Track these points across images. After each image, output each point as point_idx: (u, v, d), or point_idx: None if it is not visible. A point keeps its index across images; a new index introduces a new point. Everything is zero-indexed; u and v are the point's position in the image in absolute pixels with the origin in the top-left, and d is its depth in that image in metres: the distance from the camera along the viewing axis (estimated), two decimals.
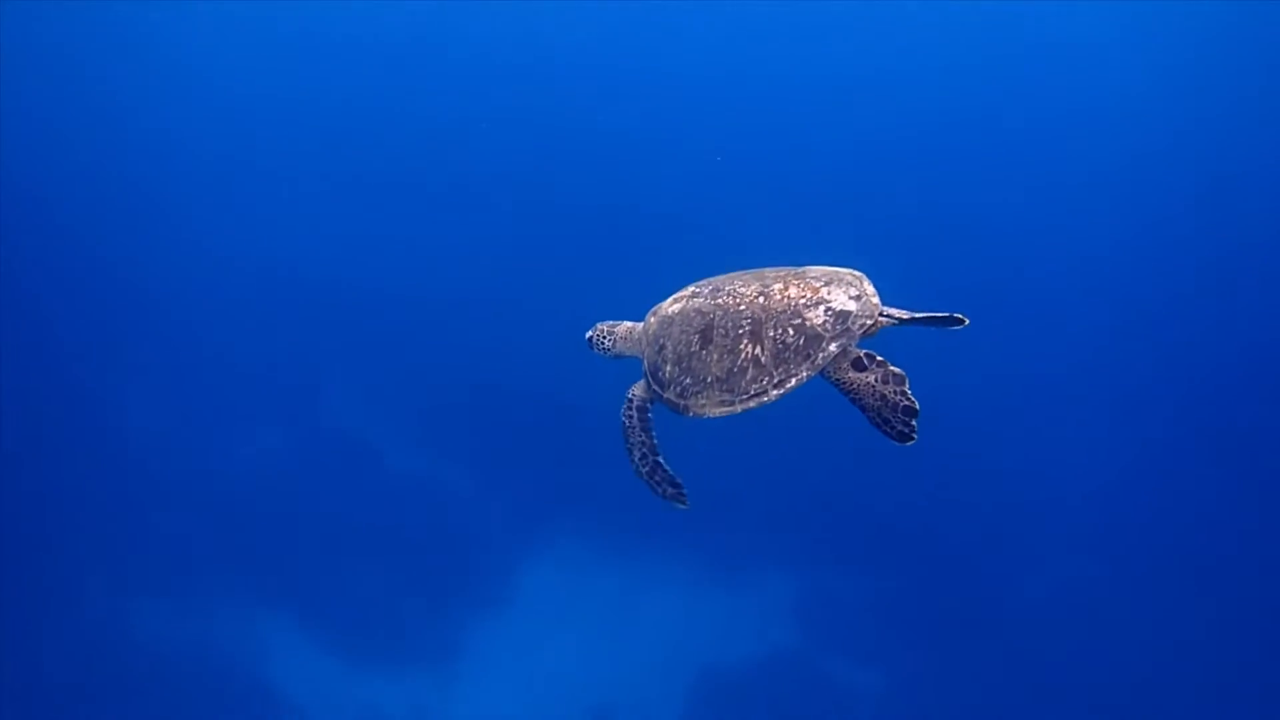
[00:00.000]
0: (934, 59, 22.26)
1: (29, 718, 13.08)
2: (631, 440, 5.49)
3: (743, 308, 4.76)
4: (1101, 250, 19.22)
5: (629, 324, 5.76)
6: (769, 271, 5.08)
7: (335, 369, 17.63)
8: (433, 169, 20.76)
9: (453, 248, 19.03)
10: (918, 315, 4.78)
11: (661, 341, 5.13)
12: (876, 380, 4.54)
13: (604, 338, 5.80)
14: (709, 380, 4.78)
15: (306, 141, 21.33)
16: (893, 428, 4.47)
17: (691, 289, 5.25)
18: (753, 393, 4.66)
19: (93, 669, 13.87)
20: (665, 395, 5.09)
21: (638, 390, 5.47)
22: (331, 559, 15.30)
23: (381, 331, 17.81)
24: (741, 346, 4.68)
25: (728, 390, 4.72)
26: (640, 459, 5.48)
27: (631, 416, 5.48)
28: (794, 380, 4.60)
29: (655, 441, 5.48)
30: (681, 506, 5.42)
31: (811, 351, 4.55)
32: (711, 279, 5.34)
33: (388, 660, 14.80)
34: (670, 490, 5.44)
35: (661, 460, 5.47)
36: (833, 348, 4.57)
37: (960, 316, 4.62)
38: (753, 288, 4.86)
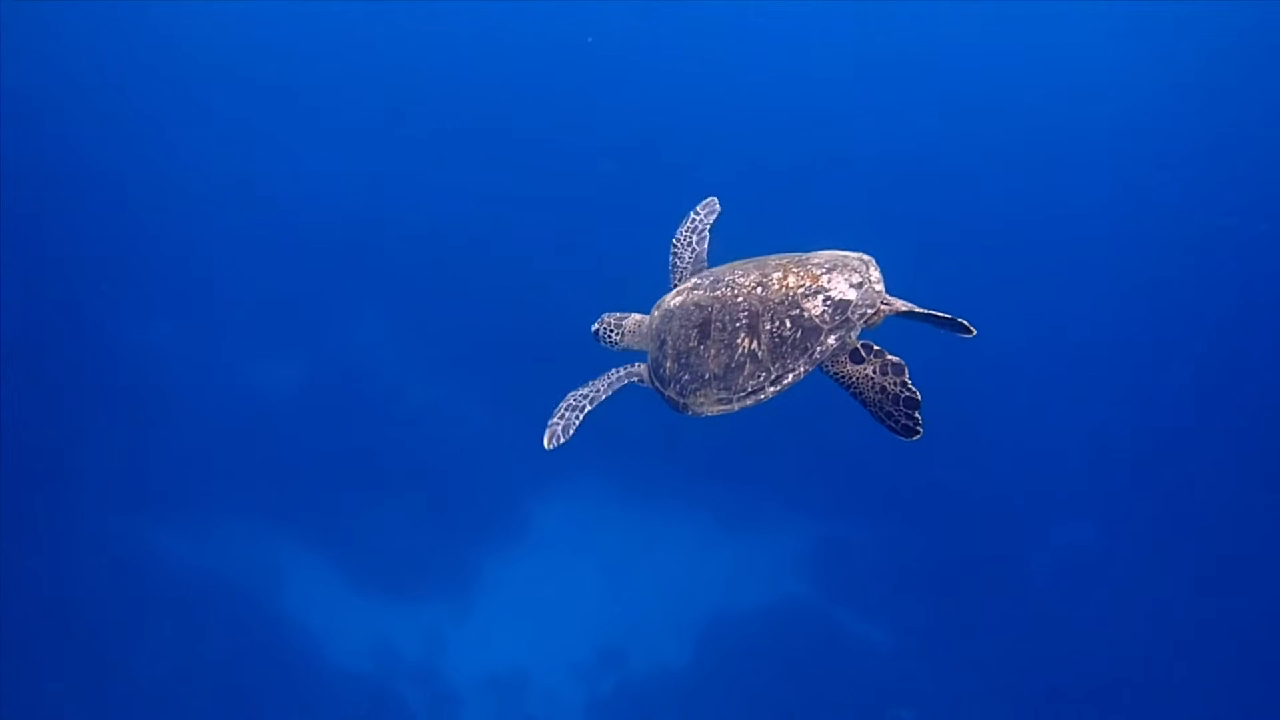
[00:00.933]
0: (966, 50, 21.98)
1: (48, 631, 13.29)
2: (595, 382, 5.23)
3: (740, 300, 4.54)
4: (1119, 226, 19.15)
5: (637, 316, 5.45)
6: (772, 259, 4.81)
7: (360, 300, 17.53)
8: (465, 105, 20.45)
9: (481, 184, 18.75)
10: (922, 311, 4.48)
11: (663, 336, 4.93)
12: (875, 372, 4.27)
13: (611, 331, 5.49)
14: (706, 377, 4.58)
15: (337, 71, 20.98)
16: (896, 421, 4.20)
17: (694, 280, 5.04)
18: (749, 390, 4.45)
19: (110, 586, 14.05)
20: (666, 393, 4.87)
21: (641, 370, 5.23)
22: (349, 489, 15.36)
23: (407, 264, 17.65)
24: (738, 341, 4.47)
25: (725, 388, 4.53)
26: (581, 394, 5.16)
27: (619, 374, 5.24)
28: (791, 376, 4.38)
29: (603, 400, 5.17)
30: (545, 445, 5.00)
31: (809, 345, 4.32)
32: (715, 269, 5.12)
33: (402, 591, 14.95)
34: (560, 427, 5.04)
35: (587, 411, 5.11)
36: (831, 340, 4.32)
37: (967, 325, 4.34)
38: (751, 278, 4.62)
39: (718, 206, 5.79)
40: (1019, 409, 16.61)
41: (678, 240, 5.66)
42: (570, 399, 5.17)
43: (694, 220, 5.72)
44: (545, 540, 15.62)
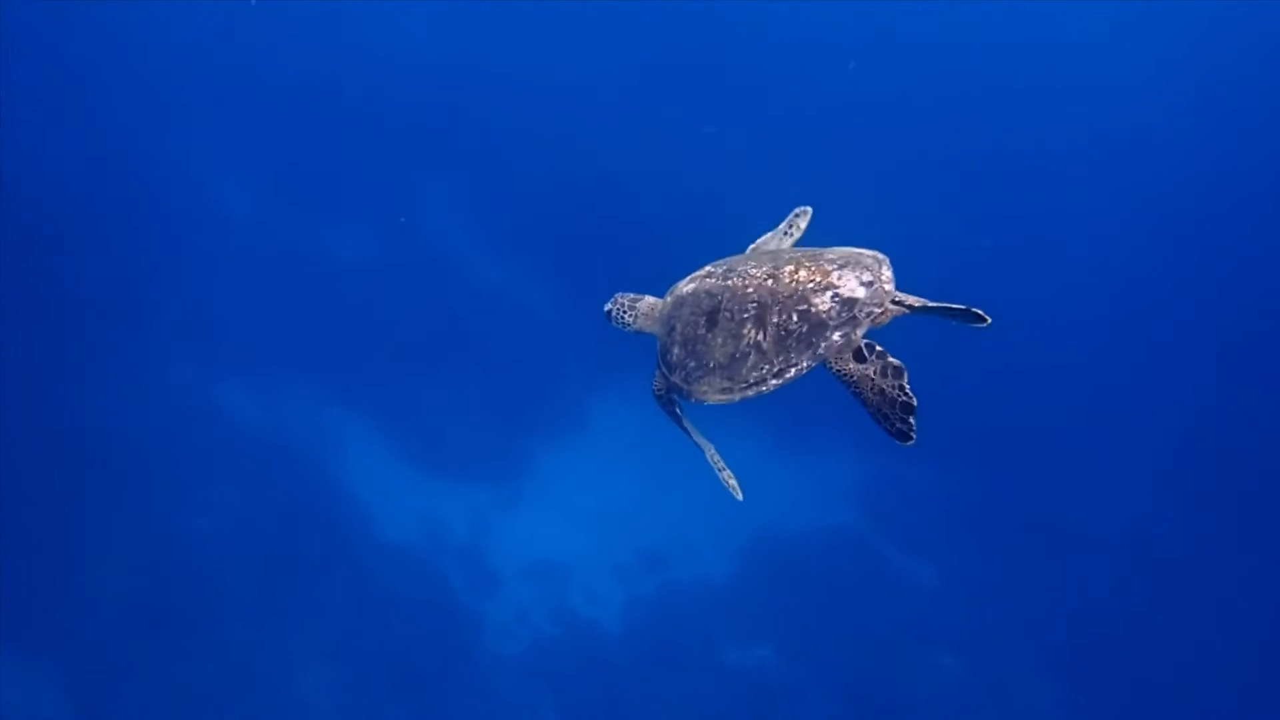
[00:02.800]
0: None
1: (108, 474, 13.48)
2: (692, 435, 5.12)
3: (750, 290, 4.47)
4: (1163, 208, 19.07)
5: (651, 299, 5.31)
6: (787, 252, 4.78)
7: (435, 176, 17.22)
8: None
9: (574, 80, 18.30)
10: (933, 305, 4.37)
11: (673, 322, 4.86)
12: (875, 373, 4.23)
13: (624, 311, 5.31)
14: (711, 365, 4.53)
15: None
16: (891, 424, 4.16)
17: (708, 268, 4.92)
18: (752, 381, 4.42)
19: (166, 435, 14.21)
20: (672, 379, 4.81)
21: (658, 381, 5.07)
22: (410, 364, 15.34)
23: (487, 146, 17.28)
24: (745, 331, 4.42)
25: (728, 377, 4.48)
26: (711, 458, 5.08)
27: (666, 408, 5.12)
28: (794, 370, 4.33)
29: (695, 433, 5.08)
30: (739, 496, 4.99)
31: (814, 340, 4.30)
32: (729, 258, 5.00)
33: (454, 471, 15.03)
34: (729, 476, 5.01)
35: (718, 460, 5.04)
36: (836, 337, 4.27)
37: (982, 314, 4.19)
38: (764, 269, 4.54)
39: (808, 214, 5.52)
40: (1097, 379, 16.39)
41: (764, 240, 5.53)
42: (712, 461, 5.13)
43: (788, 228, 5.48)
44: (599, 439, 15.59)
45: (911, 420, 4.11)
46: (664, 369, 4.91)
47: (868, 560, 14.77)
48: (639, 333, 5.34)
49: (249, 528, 13.49)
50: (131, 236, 15.66)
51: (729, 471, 5.11)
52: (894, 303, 4.35)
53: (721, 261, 4.96)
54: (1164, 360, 17.30)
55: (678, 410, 5.22)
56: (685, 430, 5.24)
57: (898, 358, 4.18)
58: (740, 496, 5.06)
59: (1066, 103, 20.55)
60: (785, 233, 5.58)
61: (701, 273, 4.92)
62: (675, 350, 4.76)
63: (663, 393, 5.19)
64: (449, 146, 17.45)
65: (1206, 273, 18.42)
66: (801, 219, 5.61)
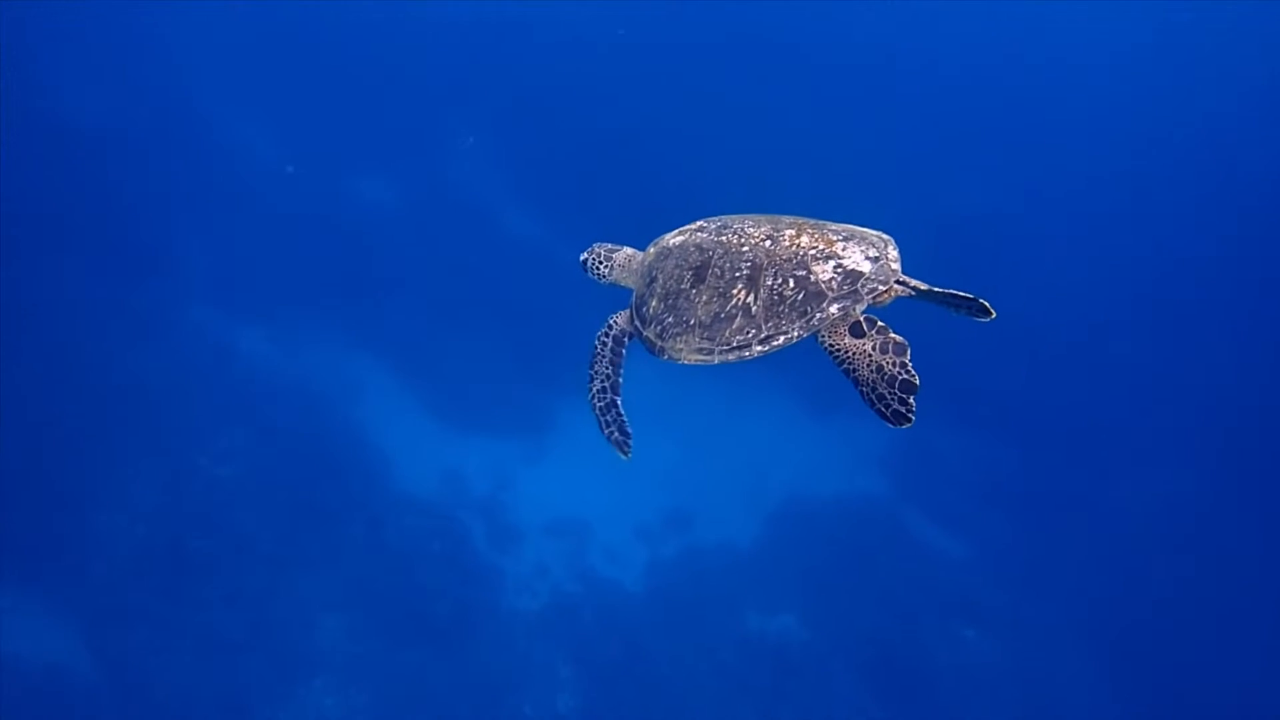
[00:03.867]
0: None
1: (129, 418, 13.36)
2: (595, 368, 4.91)
3: (745, 249, 4.25)
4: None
5: (630, 250, 5.09)
6: (788, 217, 4.47)
7: (463, 125, 16.88)
8: None
9: (599, 33, 17.88)
10: (940, 291, 4.13)
11: (654, 274, 4.61)
12: (874, 349, 3.98)
13: (600, 262, 5.09)
14: (691, 323, 4.30)
15: None
16: (887, 405, 3.89)
17: (700, 223, 4.65)
18: (735, 344, 4.18)
19: (186, 376, 14.09)
20: (645, 333, 4.54)
21: (620, 320, 4.88)
22: (435, 314, 15.12)
23: (514, 95, 16.91)
24: (734, 291, 4.20)
25: (708, 338, 4.25)
26: (599, 391, 4.91)
27: (605, 344, 4.89)
28: (782, 338, 4.09)
29: (620, 379, 4.91)
30: (623, 457, 4.80)
31: (809, 309, 4.04)
32: (724, 216, 4.72)
33: (477, 425, 14.86)
34: (617, 435, 4.83)
35: (619, 401, 4.88)
36: (833, 309, 4.03)
37: (988, 306, 4.01)
38: (762, 230, 4.32)
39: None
40: (1133, 353, 16.01)
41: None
42: (596, 404, 4.92)
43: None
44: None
45: (911, 400, 3.86)
46: (637, 321, 4.65)
47: (895, 529, 14.52)
48: (614, 285, 5.12)
49: (270, 475, 13.37)
50: (157, 181, 15.50)
51: (619, 429, 4.84)
52: (899, 283, 4.12)
53: (716, 218, 4.69)
54: (1199, 334, 16.98)
55: (618, 355, 4.89)
56: (600, 374, 4.92)
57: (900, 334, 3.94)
58: (626, 456, 4.81)
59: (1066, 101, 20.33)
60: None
61: (692, 226, 4.67)
62: (653, 303, 4.51)
63: (616, 333, 4.86)
64: (478, 97, 17.12)
65: (1248, 249, 18.03)
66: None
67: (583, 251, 5.16)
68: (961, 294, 4.05)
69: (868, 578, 13.74)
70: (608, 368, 4.91)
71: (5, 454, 12.48)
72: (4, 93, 15.38)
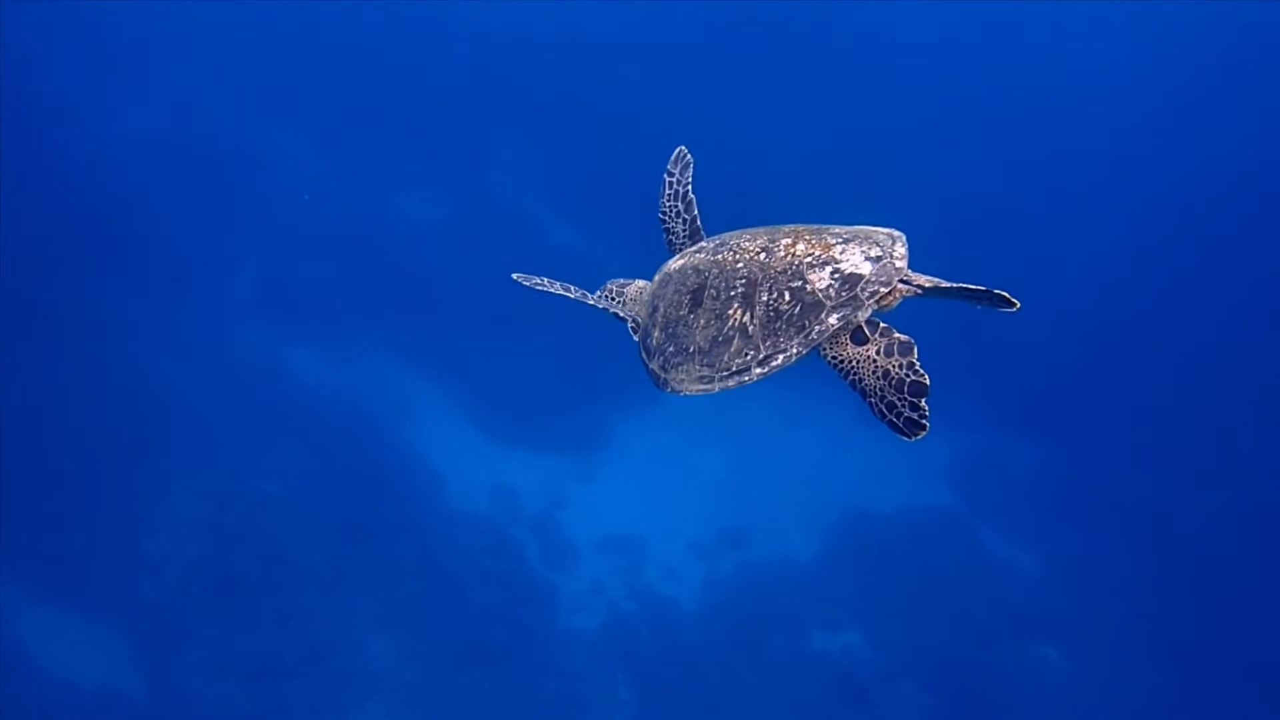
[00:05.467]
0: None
1: (179, 435, 13.28)
2: (596, 294, 4.66)
3: (740, 266, 3.96)
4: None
5: (641, 283, 4.76)
6: (789, 226, 4.13)
7: (508, 138, 16.76)
8: None
9: (644, 41, 17.69)
10: (952, 285, 3.69)
11: (656, 303, 4.34)
12: (878, 353, 3.58)
13: (613, 300, 4.75)
14: (691, 350, 3.98)
15: None
16: (899, 414, 3.44)
17: (701, 244, 4.39)
18: (734, 369, 3.82)
19: (237, 393, 13.98)
20: (650, 365, 4.19)
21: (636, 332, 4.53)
22: (485, 329, 14.88)
23: (558, 106, 16.75)
24: (730, 312, 3.89)
25: (708, 364, 3.91)
26: (572, 287, 4.60)
27: (613, 301, 4.65)
28: (781, 358, 3.73)
29: (584, 301, 4.62)
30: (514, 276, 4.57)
31: (807, 322, 3.69)
32: (726, 233, 4.39)
33: (529, 443, 14.58)
34: (540, 280, 4.59)
35: (566, 291, 4.57)
36: (832, 320, 3.66)
37: (1009, 296, 3.56)
38: (758, 242, 4.02)
39: (689, 156, 4.94)
40: (1210, 364, 15.43)
41: (664, 212, 4.91)
42: (567, 285, 4.62)
43: (671, 183, 4.91)
44: (679, 412, 14.95)
45: (923, 405, 3.42)
46: (643, 355, 4.30)
47: (964, 543, 13.93)
48: (628, 320, 4.72)
49: (320, 494, 13.19)
50: (208, 198, 15.54)
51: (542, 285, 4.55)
52: (903, 282, 3.69)
53: (717, 236, 4.39)
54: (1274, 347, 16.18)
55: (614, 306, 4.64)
56: (563, 292, 4.58)
57: (906, 333, 3.49)
58: (516, 278, 4.54)
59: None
60: (675, 194, 4.89)
61: (693, 248, 4.40)
62: (655, 334, 4.17)
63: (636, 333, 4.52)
64: (522, 109, 17.00)
65: None
66: (682, 170, 4.92)
67: (595, 293, 4.79)
68: (974, 287, 3.63)
69: (936, 594, 13.16)
70: (596, 299, 4.67)
71: (56, 473, 12.46)
72: (55, 108, 15.58)
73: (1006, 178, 18.04)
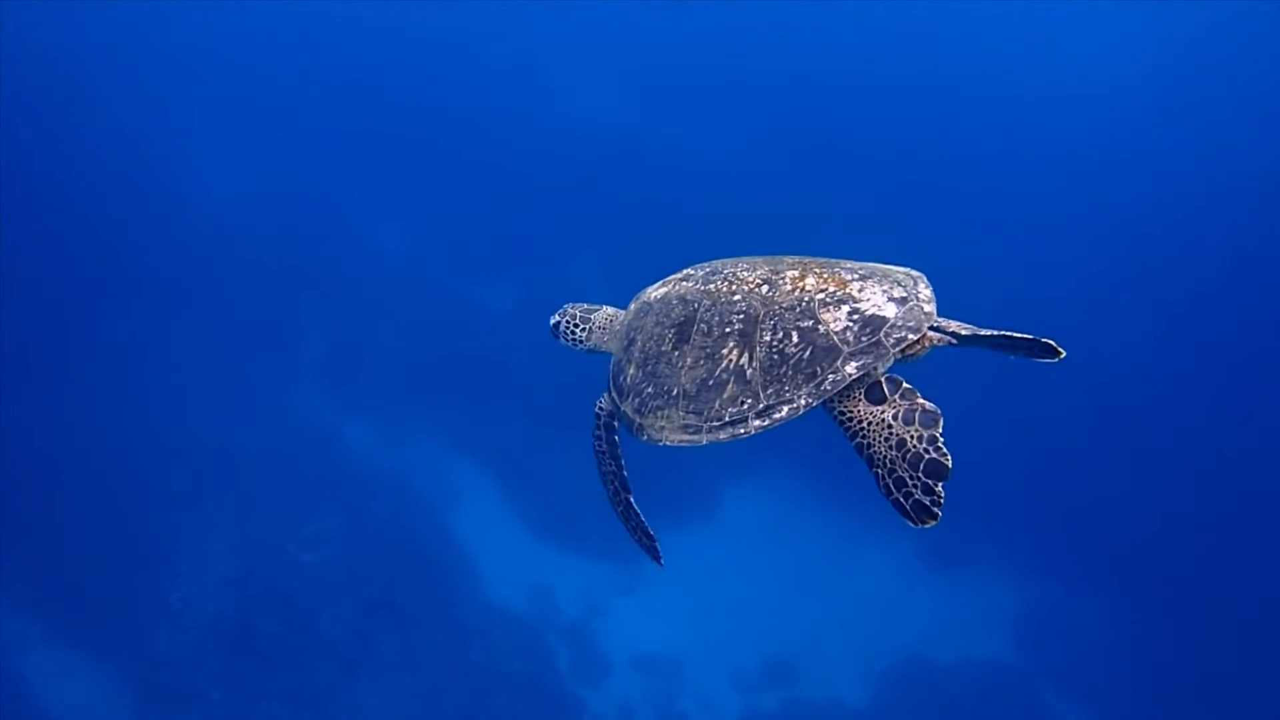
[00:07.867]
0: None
1: (222, 492, 12.97)
2: (602, 469, 4.11)
3: (737, 299, 3.41)
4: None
5: (610, 310, 4.27)
6: (792, 257, 3.62)
7: (582, 234, 17.13)
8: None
9: (720, 154, 18.31)
10: (988, 334, 3.24)
11: (632, 335, 3.78)
12: (896, 419, 3.04)
13: (575, 325, 4.24)
14: (675, 393, 3.43)
15: None
16: (907, 494, 2.95)
17: (687, 270, 3.84)
18: (726, 419, 3.29)
19: (294, 463, 13.72)
20: (622, 406, 3.69)
21: (604, 403, 4.02)
22: (541, 425, 14.61)
23: (634, 208, 17.28)
24: (724, 352, 3.35)
25: (694, 411, 3.37)
26: (612, 495, 4.12)
27: (600, 438, 4.06)
28: (786, 410, 3.19)
29: (625, 474, 4.08)
30: (656, 564, 4.06)
31: (819, 370, 3.14)
32: (716, 260, 3.90)
33: (573, 545, 13.99)
34: (644, 540, 4.06)
35: (633, 501, 4.05)
36: (850, 368, 3.12)
37: (1055, 345, 3.17)
38: (758, 273, 3.48)
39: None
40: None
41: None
42: (615, 508, 4.17)
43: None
44: (731, 529, 14.38)
45: (939, 490, 2.92)
46: (614, 393, 3.77)
47: (1024, 701, 12.84)
48: (593, 351, 4.25)
49: (353, 568, 12.69)
50: (292, 262, 15.86)
51: (650, 536, 4.01)
52: (934, 329, 3.23)
53: (706, 263, 3.87)
54: None
55: (614, 445, 4.02)
56: (607, 474, 4.07)
57: (931, 400, 3.04)
58: (661, 564, 4.02)
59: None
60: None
61: (678, 275, 3.83)
62: (630, 370, 3.66)
63: (605, 419, 3.99)
64: (599, 208, 17.35)
65: None
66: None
67: (553, 314, 4.35)
68: (1016, 335, 3.20)
69: None
70: (611, 464, 4.06)
71: (94, 510, 12.19)
72: (142, 170, 16.17)
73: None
